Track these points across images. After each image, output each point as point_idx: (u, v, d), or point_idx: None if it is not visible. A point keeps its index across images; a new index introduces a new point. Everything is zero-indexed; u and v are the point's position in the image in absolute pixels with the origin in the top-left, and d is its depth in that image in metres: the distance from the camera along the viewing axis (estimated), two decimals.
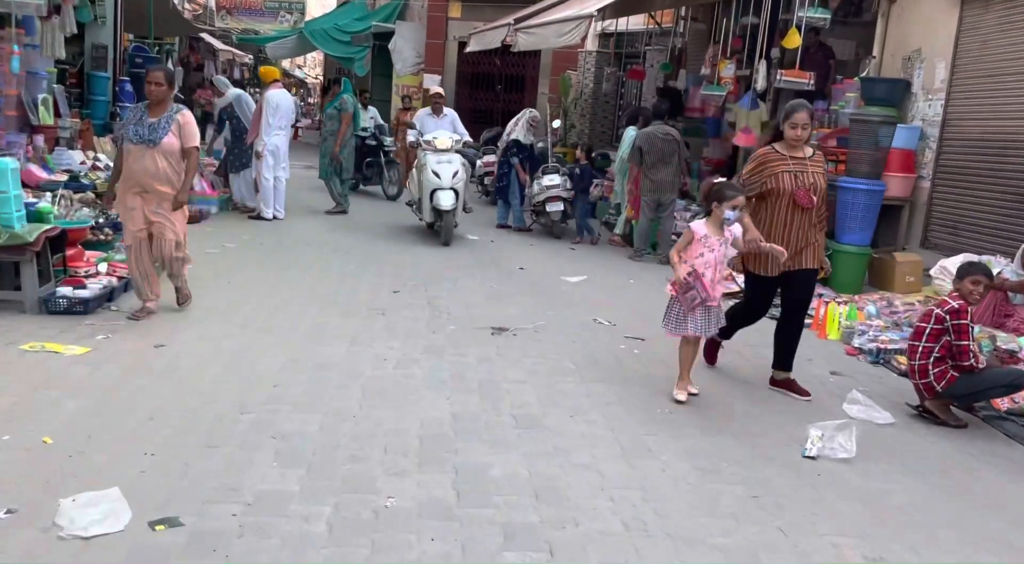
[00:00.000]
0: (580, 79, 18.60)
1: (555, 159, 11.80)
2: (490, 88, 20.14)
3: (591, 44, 18.65)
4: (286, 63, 49.43)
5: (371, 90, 22.97)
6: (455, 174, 10.04)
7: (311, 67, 44.24)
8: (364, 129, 14.03)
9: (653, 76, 14.98)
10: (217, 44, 26.56)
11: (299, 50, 24.91)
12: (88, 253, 7.24)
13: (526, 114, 11.67)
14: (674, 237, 10.06)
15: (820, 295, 8.19)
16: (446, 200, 9.91)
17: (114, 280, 6.64)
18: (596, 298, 7.87)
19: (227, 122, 10.98)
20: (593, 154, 11.67)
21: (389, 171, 14.22)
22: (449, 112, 11.69)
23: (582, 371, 5.60)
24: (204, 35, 24.23)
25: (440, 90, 12.46)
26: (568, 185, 11.02)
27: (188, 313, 6.33)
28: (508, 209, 11.67)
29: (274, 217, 10.84)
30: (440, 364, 5.55)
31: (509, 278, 8.47)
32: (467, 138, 11.10)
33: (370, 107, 15.35)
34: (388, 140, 14.36)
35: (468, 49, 16.30)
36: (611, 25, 17.06)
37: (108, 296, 6.43)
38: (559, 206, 10.89)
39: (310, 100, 30.66)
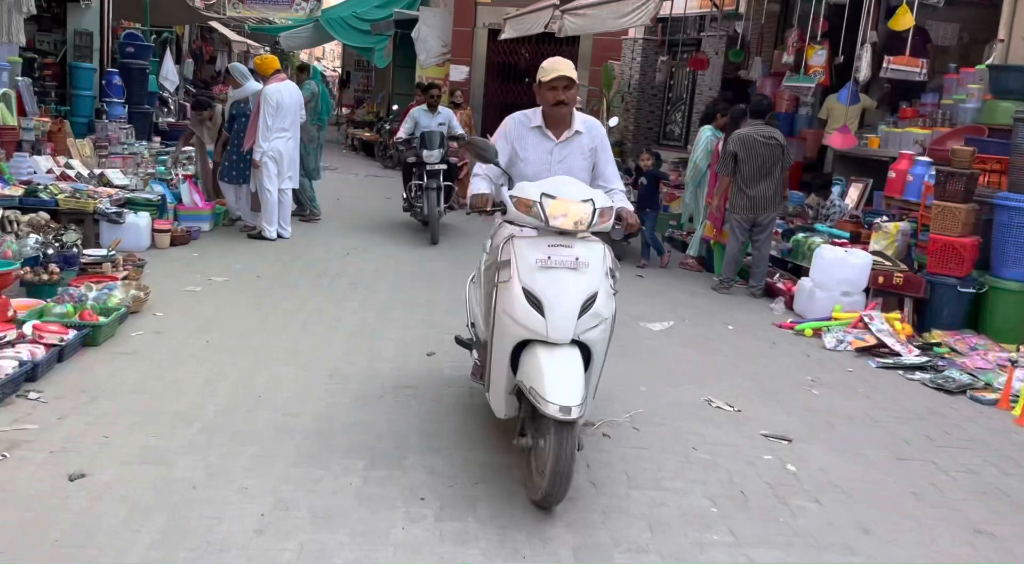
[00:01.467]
0: (624, 70, 16.48)
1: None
2: (522, 80, 18.05)
3: (637, 30, 16.54)
4: (304, 55, 47.49)
5: (392, 83, 20.96)
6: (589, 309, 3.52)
7: (329, 59, 42.22)
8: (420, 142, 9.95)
9: (718, 65, 12.84)
10: (231, 35, 24.59)
11: (315, 40, 22.89)
12: (18, 303, 5.27)
13: None
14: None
15: (977, 348, 6.12)
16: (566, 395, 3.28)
17: (41, 350, 4.64)
18: (694, 358, 5.83)
19: (236, 122, 8.97)
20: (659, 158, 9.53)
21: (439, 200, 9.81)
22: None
23: (731, 523, 3.54)
24: (215, 24, 22.28)
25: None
26: (632, 198, 8.96)
27: (131, 405, 4.32)
28: None
29: (278, 236, 8.85)
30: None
31: None
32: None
33: (442, 109, 10.39)
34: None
35: (502, 37, 14.23)
36: (659, 9, 14.94)
37: (28, 375, 4.44)
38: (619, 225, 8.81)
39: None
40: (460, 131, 10.08)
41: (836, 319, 6.74)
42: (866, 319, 6.52)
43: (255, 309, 6.24)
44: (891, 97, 10.70)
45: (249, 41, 26.92)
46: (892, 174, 8.88)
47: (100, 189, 8.13)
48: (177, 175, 9.32)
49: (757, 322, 6.97)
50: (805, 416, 4.85)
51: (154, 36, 14.60)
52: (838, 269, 6.90)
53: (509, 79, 18.08)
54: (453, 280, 7.00)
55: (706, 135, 8.88)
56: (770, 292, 7.89)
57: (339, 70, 33.99)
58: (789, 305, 7.40)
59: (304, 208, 10.15)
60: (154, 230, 7.95)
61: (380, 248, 8.82)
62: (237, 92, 9.08)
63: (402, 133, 10.05)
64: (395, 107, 18.96)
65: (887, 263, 7.08)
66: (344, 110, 26.76)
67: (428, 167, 9.46)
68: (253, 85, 8.96)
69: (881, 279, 6.90)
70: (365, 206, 11.82)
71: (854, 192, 9.81)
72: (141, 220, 7.82)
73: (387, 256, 8.46)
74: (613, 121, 9.98)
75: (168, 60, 13.95)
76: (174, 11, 16.16)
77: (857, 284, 6.93)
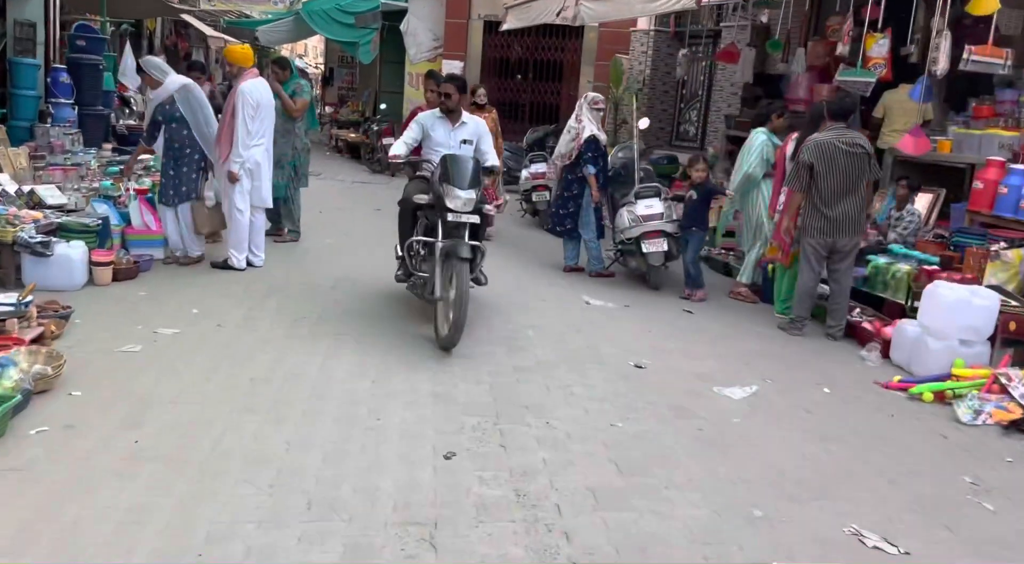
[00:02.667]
0: (634, 64, 14.92)
1: (643, 173, 8.15)
2: (524, 76, 16.44)
3: (646, 22, 14.99)
4: (285, 51, 45.60)
5: (379, 80, 19.30)
6: None
7: (312, 56, 40.39)
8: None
9: (750, 58, 11.28)
10: (207, 30, 22.81)
11: (296, 35, 21.14)
12: None
13: (583, 100, 7.97)
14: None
15: None
16: None
17: None
18: (803, 447, 4.27)
19: (163, 127, 7.22)
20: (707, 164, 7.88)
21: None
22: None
23: None
24: (189, 19, 20.51)
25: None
26: (673, 215, 7.39)
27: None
28: (578, 244, 7.99)
29: (249, 265, 7.22)
30: None
31: (628, 393, 4.84)
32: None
33: (467, 118, 6.22)
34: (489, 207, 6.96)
35: (505, 27, 12.62)
36: None
37: None
38: (661, 245, 7.25)
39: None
40: (493, 161, 6.13)
41: (959, 378, 5.21)
42: (1003, 379, 4.99)
43: (210, 380, 4.61)
44: (948, 94, 9.21)
45: (226, 36, 25.10)
46: (979, 184, 7.38)
47: (24, 212, 6.46)
48: (127, 190, 7.65)
49: (855, 380, 5.42)
50: (997, 555, 3.30)
51: (113, 28, 12.88)
52: (960, 313, 5.35)
53: (507, 75, 16.46)
54: (468, 330, 5.41)
55: (760, 139, 7.31)
56: (851, 333, 6.37)
57: (322, 67, 32.21)
58: (885, 353, 5.86)
59: (279, 225, 8.52)
60: (92, 263, 6.30)
61: (371, 278, 7.20)
62: (157, 93, 7.09)
63: (399, 148, 5.97)
64: (383, 106, 17.30)
65: (1014, 303, 5.56)
66: (327, 109, 25.02)
67: (452, 216, 5.38)
68: (174, 81, 7.01)
69: (1013, 325, 5.38)
70: (352, 220, 10.18)
71: (921, 203, 8.30)
72: (74, 251, 6.17)
73: (380, 291, 6.84)
74: (643, 123, 8.39)
75: (128, 55, 12.24)
76: (139, 2, 14.43)
77: (982, 332, 5.40)
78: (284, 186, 8.22)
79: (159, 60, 7.42)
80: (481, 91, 9.31)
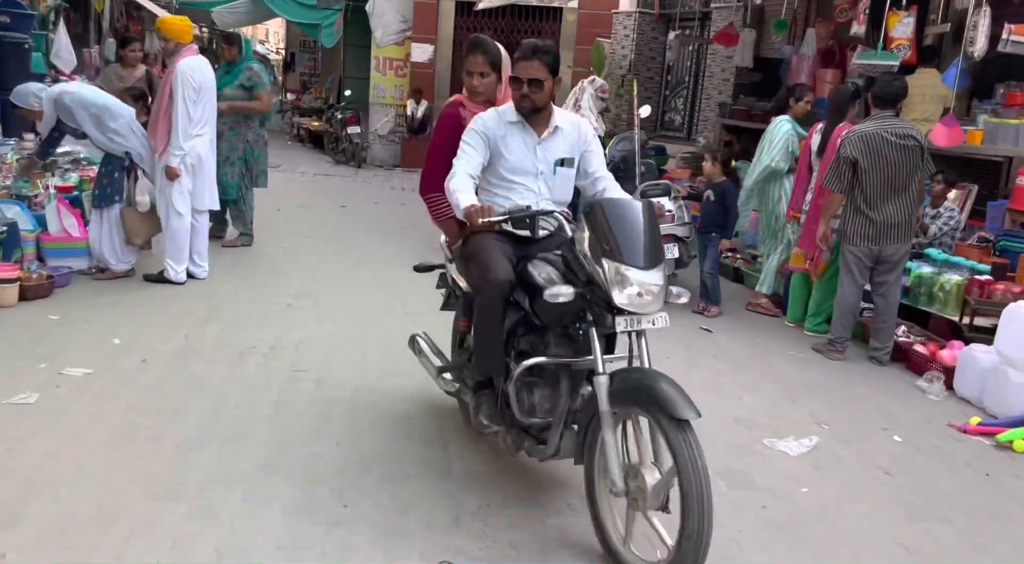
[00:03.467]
0: (616, 48, 13.87)
1: (643, 168, 7.11)
2: None
3: (629, 3, 13.94)
4: (248, 33, 43.86)
5: (343, 65, 18.04)
6: None
7: (274, 42, 38.75)
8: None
9: (750, 41, 10.28)
10: (159, 11, 21.34)
11: (254, 17, 19.77)
12: None
13: (589, 85, 6.90)
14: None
15: None
16: None
17: None
18: (887, 526, 3.28)
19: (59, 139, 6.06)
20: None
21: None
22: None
23: None
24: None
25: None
26: (685, 216, 6.38)
27: None
28: None
29: (190, 276, 6.07)
30: None
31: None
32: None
33: (561, 118, 3.41)
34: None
35: (481, 6, 11.52)
36: None
37: None
38: (671, 251, 6.23)
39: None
40: (618, 191, 3.41)
41: None
42: None
43: (121, 448, 3.49)
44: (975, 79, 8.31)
45: None
46: (1022, 180, 6.49)
47: None
48: (46, 188, 6.44)
49: (922, 420, 4.45)
50: None
51: (45, 4, 11.52)
52: None
53: None
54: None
55: (785, 129, 6.31)
56: (897, 356, 5.41)
57: (283, 51, 30.73)
58: (948, 383, 4.90)
59: (223, 227, 7.37)
60: None
61: (336, 295, 6.09)
62: (45, 123, 5.85)
63: (466, 186, 3.17)
64: (347, 93, 16.09)
65: None
66: (289, 96, 23.68)
67: (625, 324, 2.85)
68: (50, 95, 5.74)
69: None
70: (313, 219, 9.02)
71: (951, 201, 7.38)
72: None
73: (349, 311, 5.74)
74: (644, 110, 7.35)
75: (63, 34, 10.91)
76: None
77: None
78: (235, 185, 7.07)
79: (31, 86, 5.97)
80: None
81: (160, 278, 5.92)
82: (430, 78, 14.77)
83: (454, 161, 3.23)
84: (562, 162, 3.35)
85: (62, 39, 10.90)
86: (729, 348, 5.50)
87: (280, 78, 26.40)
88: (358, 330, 5.23)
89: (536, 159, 3.31)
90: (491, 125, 3.29)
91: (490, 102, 3.59)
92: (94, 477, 3.21)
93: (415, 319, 5.50)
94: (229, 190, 7.00)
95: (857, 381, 5.03)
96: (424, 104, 14.49)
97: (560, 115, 3.37)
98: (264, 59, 35.96)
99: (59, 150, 6.98)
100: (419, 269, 4.03)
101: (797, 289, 6.13)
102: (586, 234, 2.82)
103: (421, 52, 14.75)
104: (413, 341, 4.04)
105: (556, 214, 3.22)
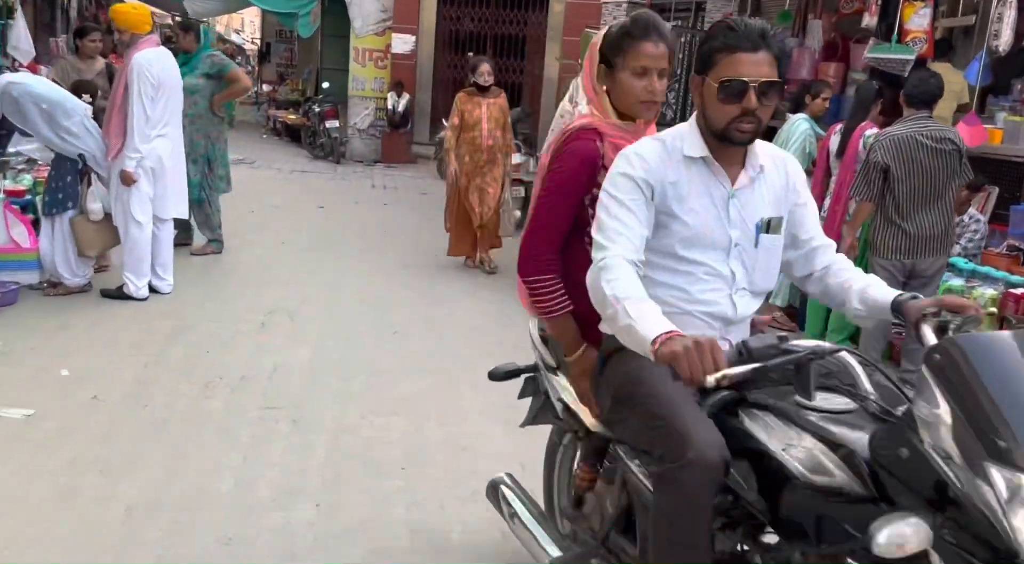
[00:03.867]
0: None
1: None
2: (479, 52, 14.71)
3: None
4: (220, 26, 42.76)
5: (320, 56, 17.36)
6: None
7: (249, 32, 37.81)
8: None
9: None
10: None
11: (228, 6, 19.01)
12: None
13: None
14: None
15: None
16: None
17: None
18: None
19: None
20: None
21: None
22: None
23: None
24: None
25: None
26: None
27: None
28: None
29: (153, 290, 5.48)
30: None
31: None
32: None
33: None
34: None
35: None
36: None
37: None
38: None
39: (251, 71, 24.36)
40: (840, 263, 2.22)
41: None
42: None
43: (60, 510, 2.93)
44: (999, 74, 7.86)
45: (153, 8, 22.76)
46: None
47: None
48: None
49: None
50: None
51: None
52: None
53: (463, 51, 14.73)
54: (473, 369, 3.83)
55: (801, 128, 5.83)
56: None
57: (258, 41, 29.91)
58: None
59: (190, 234, 6.80)
60: None
61: (317, 311, 5.54)
62: None
63: (621, 285, 1.81)
64: (325, 85, 15.44)
65: None
66: (265, 87, 22.96)
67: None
68: (8, 90, 5.03)
69: None
70: (290, 221, 8.43)
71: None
72: None
73: (328, 331, 5.20)
74: None
75: (20, 22, 10.21)
76: None
77: None
78: (197, 185, 6.47)
79: None
80: (485, 67, 6.75)
81: (119, 294, 5.33)
82: (411, 70, 14.17)
83: (596, 231, 1.94)
84: (768, 225, 2.03)
85: (20, 27, 10.20)
86: None
87: (256, 69, 25.64)
88: (339, 353, 4.68)
89: (728, 222, 1.99)
90: (655, 166, 1.96)
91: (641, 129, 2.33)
92: (28, 551, 2.66)
93: (404, 340, 4.97)
94: (191, 190, 6.43)
95: None
96: (405, 97, 13.89)
97: (762, 147, 2.05)
98: (239, 49, 35.07)
99: (10, 149, 6.36)
100: (497, 377, 2.55)
101: (816, 302, 5.65)
102: (941, 408, 1.44)
103: (402, 43, 14.15)
104: (495, 491, 2.67)
105: (846, 353, 1.84)
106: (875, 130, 5.16)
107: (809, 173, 5.85)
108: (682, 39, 12.47)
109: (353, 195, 10.49)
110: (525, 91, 14.73)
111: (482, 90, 6.75)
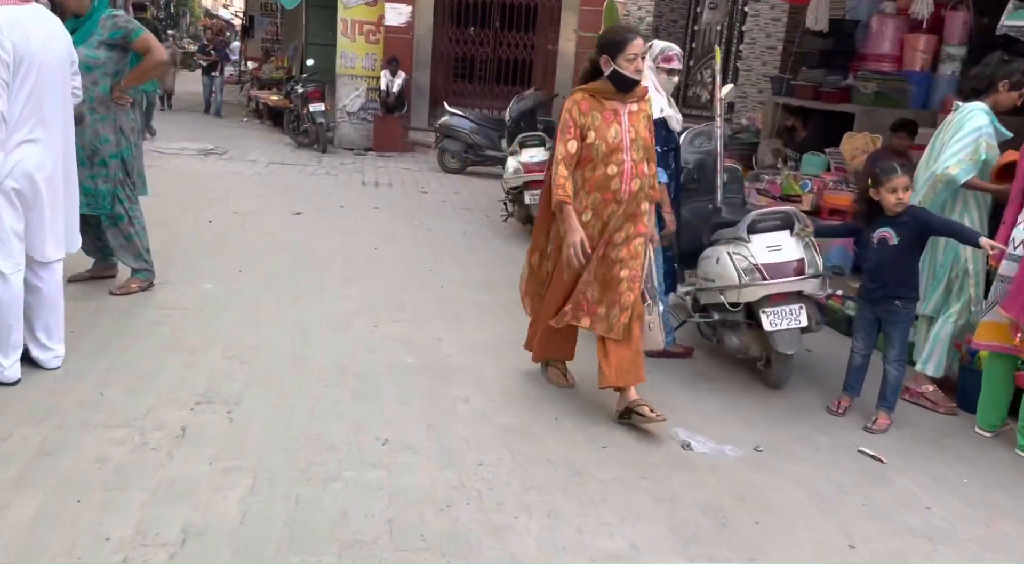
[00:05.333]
0: (631, 9, 11.42)
1: (726, 176, 4.72)
2: (483, 25, 12.77)
3: None
4: (207, 1, 40.47)
5: (305, 30, 15.38)
6: None
7: (236, 7, 35.56)
8: None
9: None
10: None
11: None
12: None
13: (655, 51, 4.37)
14: None
15: None
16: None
17: None
18: None
19: None
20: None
21: None
22: None
23: None
24: None
25: None
26: (819, 262, 4.02)
27: None
28: None
29: (31, 363, 3.63)
30: None
31: None
32: None
33: None
34: None
35: None
36: None
37: None
38: (798, 317, 3.91)
39: (232, 48, 21.95)
40: None
41: None
42: None
43: None
44: None
45: None
46: None
47: None
48: None
49: None
50: None
51: None
52: None
53: (464, 23, 12.77)
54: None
55: (979, 122, 3.94)
56: None
57: (240, 15, 27.74)
58: None
59: (108, 262, 4.98)
60: None
61: (269, 395, 3.70)
62: None
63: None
64: (309, 62, 13.49)
65: None
66: (249, 65, 20.95)
67: None
68: None
69: None
70: (256, 237, 6.55)
71: None
72: None
73: (282, 442, 3.37)
74: (728, 91, 4.99)
75: None
76: None
77: None
78: (108, 196, 4.61)
79: None
80: (638, 45, 3.43)
81: None
82: (408, 45, 12.24)
83: None
84: None
85: None
86: (939, 508, 3.18)
87: (243, 46, 23.54)
88: (299, 497, 2.85)
89: None
90: None
91: None
92: None
93: (410, 458, 3.12)
94: (101, 203, 4.57)
95: None
96: (401, 76, 11.96)
97: None
98: (228, 25, 32.84)
99: None
100: None
101: (997, 379, 3.83)
102: None
103: (397, 14, 12.21)
104: None
105: None
106: None
107: (973, 188, 4.01)
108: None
109: (339, 195, 8.62)
110: (536, 69, 12.81)
111: (622, 88, 3.54)
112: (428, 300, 5.21)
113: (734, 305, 4.04)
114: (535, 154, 6.77)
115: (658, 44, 4.41)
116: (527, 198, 6.72)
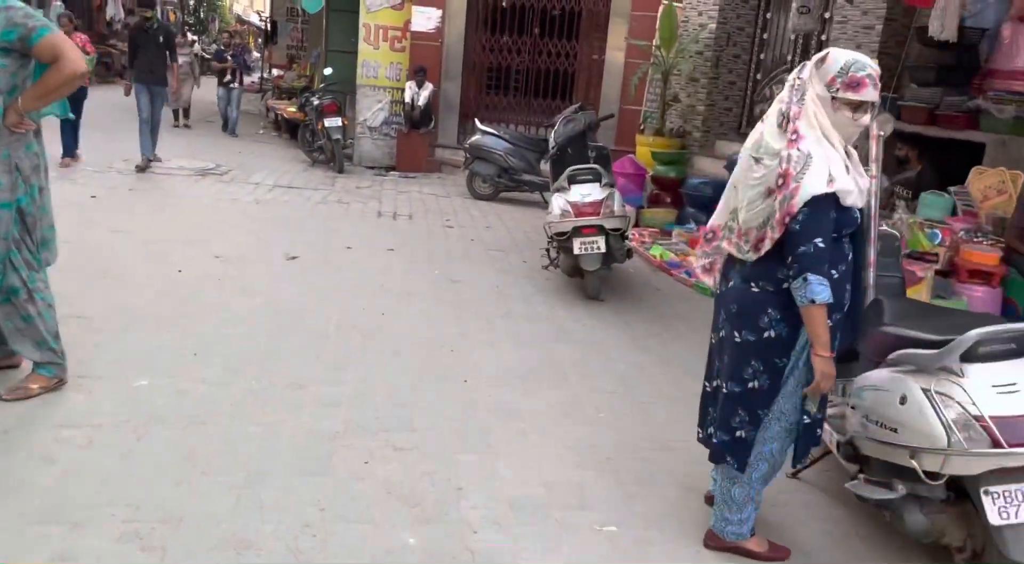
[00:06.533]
0: (691, 16, 9.84)
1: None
2: (521, 32, 11.25)
3: None
4: (238, 7, 39.41)
5: (325, 36, 13.98)
6: None
7: (266, 11, 34.42)
8: None
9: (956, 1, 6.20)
10: None
11: None
12: None
13: (834, 67, 2.48)
14: None
15: None
16: None
17: None
18: None
19: None
20: None
21: None
22: None
23: None
24: None
25: None
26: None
27: None
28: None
29: None
30: None
31: None
32: None
33: None
34: None
35: None
36: None
37: None
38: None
39: (250, 56, 20.43)
40: None
41: None
42: None
43: None
44: None
45: None
46: None
47: None
48: None
49: None
50: None
51: None
52: None
53: (501, 31, 11.26)
54: None
55: None
56: None
57: (265, 20, 26.47)
58: None
59: (9, 352, 3.54)
60: None
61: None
62: None
63: None
64: (328, 71, 12.06)
65: None
66: (273, 72, 19.61)
67: None
68: None
69: None
70: (231, 298, 5.05)
71: None
72: None
73: None
74: (885, 124, 3.41)
75: None
76: None
77: None
78: None
79: None
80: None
81: None
82: (436, 53, 10.77)
83: None
84: None
85: None
86: None
87: (268, 52, 22.22)
88: None
89: None
90: None
91: None
92: None
93: None
94: None
95: None
96: (428, 88, 10.49)
97: None
98: (258, 31, 31.60)
99: None
100: None
101: None
102: None
103: (425, 19, 10.74)
104: None
105: None
106: None
107: None
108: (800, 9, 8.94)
109: (348, 231, 7.12)
110: (579, 81, 11.27)
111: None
112: (445, 407, 3.69)
113: (933, 476, 2.46)
114: (589, 192, 5.20)
115: (840, 56, 2.62)
116: (577, 247, 5.15)
